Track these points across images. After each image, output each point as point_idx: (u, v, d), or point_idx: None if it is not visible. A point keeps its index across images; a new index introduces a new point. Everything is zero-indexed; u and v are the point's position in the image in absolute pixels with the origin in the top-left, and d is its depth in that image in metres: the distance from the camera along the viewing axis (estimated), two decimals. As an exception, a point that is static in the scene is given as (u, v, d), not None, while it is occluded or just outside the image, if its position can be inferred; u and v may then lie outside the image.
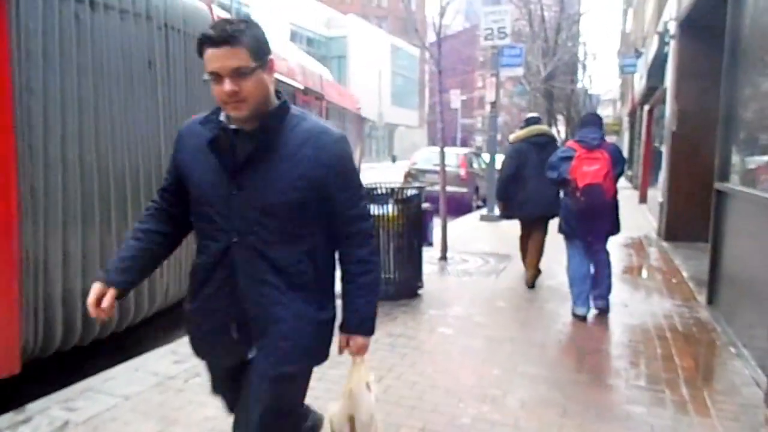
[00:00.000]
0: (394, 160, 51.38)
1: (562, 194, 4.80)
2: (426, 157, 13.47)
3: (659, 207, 9.07)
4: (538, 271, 5.61)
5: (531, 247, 5.62)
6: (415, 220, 5.06)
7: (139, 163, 3.84)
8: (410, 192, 5.05)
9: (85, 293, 1.72)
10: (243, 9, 33.20)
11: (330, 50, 43.36)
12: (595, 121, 4.55)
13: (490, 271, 6.34)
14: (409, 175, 12.82)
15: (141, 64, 3.85)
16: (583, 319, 4.56)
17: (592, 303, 4.67)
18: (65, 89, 3.23)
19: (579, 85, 28.36)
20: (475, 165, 13.90)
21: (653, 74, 10.79)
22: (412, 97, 57.13)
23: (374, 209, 4.96)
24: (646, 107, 15.39)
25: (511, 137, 5.77)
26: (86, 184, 3.39)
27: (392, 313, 4.59)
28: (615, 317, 4.67)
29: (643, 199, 14.38)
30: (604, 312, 4.70)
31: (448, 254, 6.82)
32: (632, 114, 23.16)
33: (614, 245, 7.79)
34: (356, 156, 13.92)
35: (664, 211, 8.55)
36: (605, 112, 51.68)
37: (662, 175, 9.01)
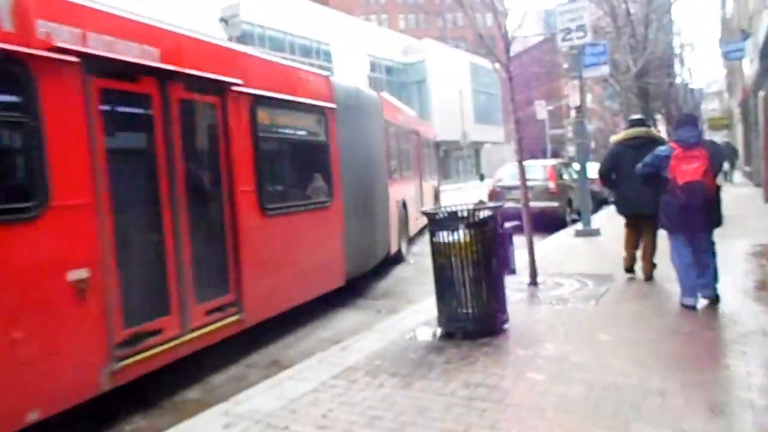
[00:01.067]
0: (482, 178, 50.07)
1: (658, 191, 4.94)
2: (511, 172, 12.59)
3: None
4: (653, 265, 5.95)
5: (643, 244, 6.01)
6: (492, 245, 4.40)
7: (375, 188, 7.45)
8: (484, 213, 4.41)
9: (365, 249, 6.72)
10: (323, 47, 34.22)
11: (409, 76, 43.47)
12: (691, 120, 4.87)
13: (589, 295, 5.48)
14: (494, 194, 12.03)
15: (373, 137, 7.52)
16: (693, 308, 4.70)
17: (699, 293, 4.77)
18: (357, 157, 6.80)
19: (677, 80, 25.97)
20: (566, 176, 12.81)
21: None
22: (496, 114, 55.82)
23: (443, 236, 4.38)
24: (762, 93, 13.54)
25: (612, 139, 6.25)
26: (361, 196, 6.87)
27: (470, 356, 3.94)
28: (756, 350, 3.70)
29: (771, 195, 12.50)
30: (714, 302, 4.75)
31: (539, 278, 6.03)
32: (744, 104, 20.74)
33: (740, 256, 6.61)
34: (435, 180, 13.61)
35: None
36: (710, 106, 47.30)
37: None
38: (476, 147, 52.70)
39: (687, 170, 4.50)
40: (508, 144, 60.87)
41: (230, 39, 23.27)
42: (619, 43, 15.50)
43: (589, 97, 47.04)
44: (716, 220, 4.74)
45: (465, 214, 4.39)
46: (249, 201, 4.75)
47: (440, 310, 4.52)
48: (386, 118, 8.13)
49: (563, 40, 9.59)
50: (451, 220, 4.40)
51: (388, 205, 7.79)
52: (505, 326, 4.51)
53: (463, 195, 26.31)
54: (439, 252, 4.45)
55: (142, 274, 3.94)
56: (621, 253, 6.21)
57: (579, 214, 12.89)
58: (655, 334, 4.18)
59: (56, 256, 3.21)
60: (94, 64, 3.40)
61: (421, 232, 10.39)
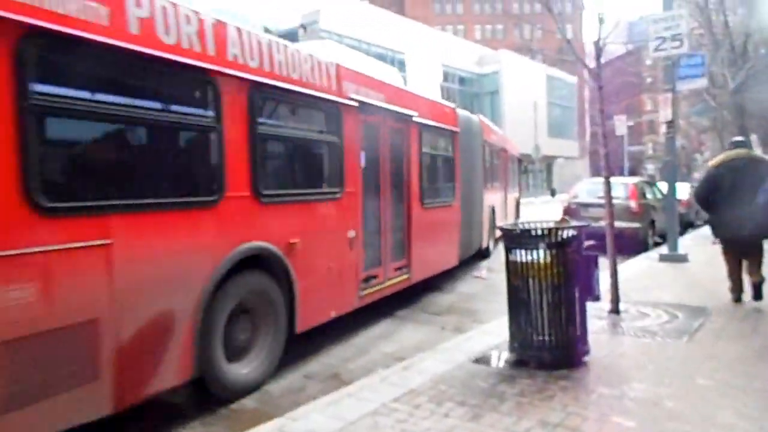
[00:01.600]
0: (553, 193, 48.36)
1: None
2: (588, 188, 11.94)
3: None
4: (762, 278, 5.78)
5: (747, 266, 5.84)
6: (575, 268, 3.99)
7: (476, 194, 9.26)
8: (568, 233, 4.01)
9: (469, 240, 8.72)
10: (398, 56, 34.28)
11: (483, 87, 42.78)
12: None
13: (681, 330, 4.91)
14: (569, 211, 11.40)
15: (477, 154, 9.41)
16: None
17: None
18: (468, 168, 8.59)
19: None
20: (649, 196, 11.94)
21: None
22: (570, 127, 53.83)
23: (521, 255, 4.02)
24: None
25: (710, 162, 6.09)
26: (469, 200, 8.65)
27: (547, 390, 3.55)
28: None
29: None
30: None
31: (621, 306, 5.50)
32: None
33: None
34: (517, 192, 14.95)
35: None
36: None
37: None
38: (548, 161, 51.01)
39: None
40: (581, 159, 58.73)
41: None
42: (717, 56, 14.37)
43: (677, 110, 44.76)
44: None
45: (546, 232, 4.01)
46: (416, 197, 6.70)
47: (513, 335, 4.16)
48: (484, 138, 9.94)
49: (656, 50, 8.90)
50: (531, 238, 4.03)
51: (483, 208, 9.67)
52: (586, 358, 4.08)
53: (532, 210, 25.51)
54: (515, 272, 4.09)
55: (372, 239, 5.76)
56: (713, 282, 6.20)
57: (663, 236, 12.02)
58: (765, 383, 3.62)
59: (344, 222, 5.17)
60: (363, 107, 5.47)
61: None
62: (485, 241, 9.94)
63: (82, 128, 2.94)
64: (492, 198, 10.62)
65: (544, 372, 3.82)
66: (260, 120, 4.08)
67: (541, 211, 26.06)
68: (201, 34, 3.50)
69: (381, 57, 33.35)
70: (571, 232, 4.04)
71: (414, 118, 6.56)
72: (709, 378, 3.73)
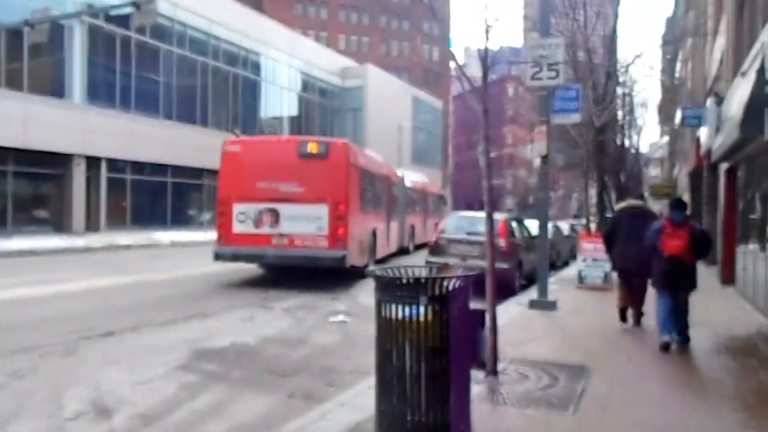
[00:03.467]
0: (413, 225, 49.91)
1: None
2: (457, 223, 12.07)
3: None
4: (641, 313, 7.87)
5: (632, 297, 7.87)
6: (461, 328, 3.55)
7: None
8: (453, 283, 3.57)
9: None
10: (252, 57, 33.21)
11: (345, 101, 43.12)
12: (680, 204, 6.93)
13: (564, 397, 4.73)
14: (437, 247, 11.36)
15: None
16: (667, 347, 6.39)
17: (675, 337, 6.59)
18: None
19: (627, 142, 27.09)
20: (517, 234, 12.40)
21: (749, 122, 9.37)
22: (434, 155, 56.36)
23: (396, 311, 3.48)
24: (724, 165, 13.91)
25: (615, 207, 8.97)
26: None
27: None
28: None
29: (728, 279, 12.62)
30: (683, 343, 6.59)
31: (499, 365, 5.24)
32: (695, 174, 21.71)
33: (709, 353, 6.30)
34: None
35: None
36: (653, 173, 50.32)
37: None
38: (410, 189, 52.85)
39: (671, 245, 6.47)
40: (444, 189, 61.87)
41: (140, 27, 21.97)
42: (584, 93, 15.68)
43: (531, 149, 48.94)
44: (691, 284, 6.76)
45: (428, 281, 3.53)
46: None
47: (382, 414, 3.58)
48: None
49: (533, 78, 9.23)
50: (409, 289, 3.52)
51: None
52: (467, 441, 3.63)
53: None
54: (388, 332, 3.54)
55: (393, 230, 17.64)
56: (586, 334, 7.31)
57: (528, 279, 12.53)
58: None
59: (381, 222, 15.37)
60: (362, 170, 12.93)
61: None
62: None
63: (366, 186, 13.29)
64: (372, 222, 14.08)
65: (419, 465, 3.28)
66: (364, 186, 12.75)
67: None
68: (380, 165, 15.73)
69: (232, 56, 32.11)
70: (458, 283, 3.61)
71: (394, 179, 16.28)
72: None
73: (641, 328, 7.65)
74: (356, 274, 11.66)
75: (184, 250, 19.29)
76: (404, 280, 3.57)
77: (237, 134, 13.50)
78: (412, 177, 22.12)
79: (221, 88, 31.12)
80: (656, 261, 6.68)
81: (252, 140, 13.33)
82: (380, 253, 14.78)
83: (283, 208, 11.15)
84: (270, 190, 11.19)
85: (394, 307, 3.52)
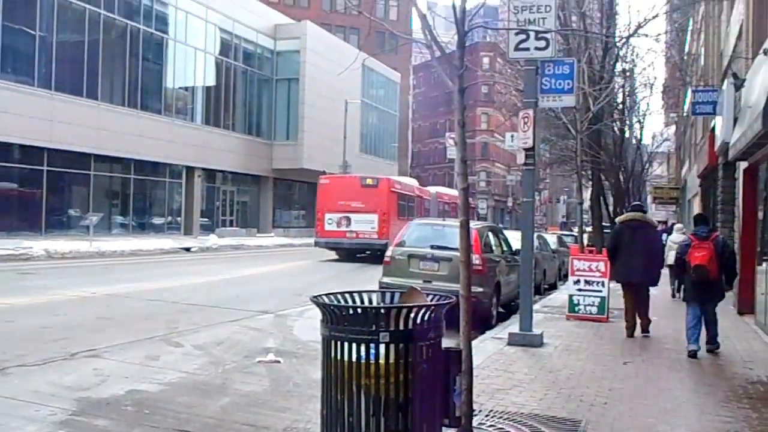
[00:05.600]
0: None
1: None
2: (419, 234, 12.04)
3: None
4: (649, 320, 10.26)
5: (637, 306, 10.20)
6: (430, 374, 3.54)
7: None
8: (423, 314, 3.55)
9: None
10: (158, 9, 32.49)
11: (278, 70, 42.71)
12: (704, 220, 9.54)
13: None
14: (393, 266, 11.32)
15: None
16: (694, 355, 8.55)
17: (704, 346, 8.77)
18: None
19: (627, 132, 27.79)
20: (495, 248, 12.46)
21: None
22: (389, 142, 56.54)
23: (350, 351, 3.44)
24: (743, 164, 14.37)
25: (618, 219, 11.03)
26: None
27: None
28: None
29: (746, 307, 12.98)
30: (714, 351, 8.88)
31: (475, 419, 5.25)
32: (708, 175, 22.39)
33: (727, 400, 6.50)
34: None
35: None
36: (656, 171, 51.77)
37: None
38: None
39: (698, 256, 8.67)
40: (402, 186, 62.22)
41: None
42: (578, 69, 16.01)
43: (513, 137, 49.50)
44: (719, 295, 9.05)
45: (389, 312, 3.50)
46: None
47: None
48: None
49: (516, 48, 9.34)
50: (366, 322, 3.49)
51: None
52: None
53: (338, 270, 26.20)
54: (339, 379, 3.49)
55: None
56: (579, 377, 7.55)
57: (506, 306, 12.64)
58: None
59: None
60: (398, 194, 28.64)
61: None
62: None
63: (401, 202, 28.76)
64: None
65: None
66: (400, 202, 28.43)
67: (351, 263, 26.63)
68: (413, 188, 32.20)
69: (132, 7, 31.30)
70: (426, 314, 3.59)
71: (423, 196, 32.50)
72: None
73: (648, 351, 9.19)
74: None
75: (65, 264, 18.64)
76: (359, 310, 3.54)
77: (325, 172, 32.16)
78: (446, 192, 39.87)
79: (116, 48, 30.47)
80: (686, 275, 9.09)
81: (334, 177, 30.43)
82: None
83: (353, 216, 25.46)
84: (345, 205, 25.51)
85: (346, 346, 3.48)
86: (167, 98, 34.19)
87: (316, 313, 13.11)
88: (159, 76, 33.63)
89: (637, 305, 10.13)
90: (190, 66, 35.56)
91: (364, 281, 14.88)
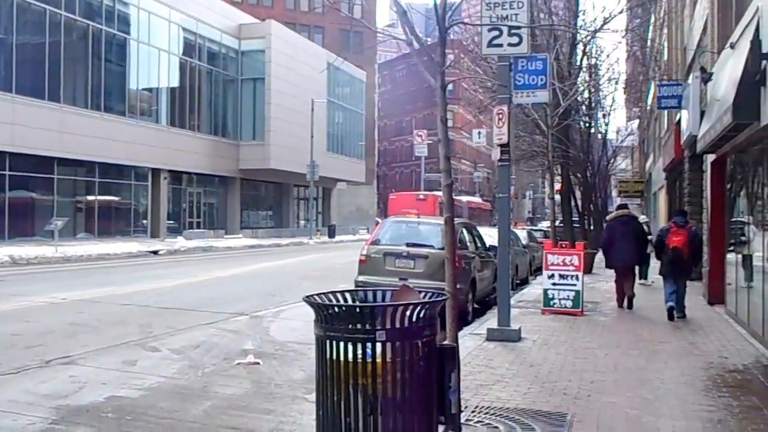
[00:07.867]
0: (332, 233, 48.90)
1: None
2: (394, 231, 12.02)
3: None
4: (633, 294, 12.83)
5: (625, 285, 12.74)
6: (427, 371, 3.51)
7: None
8: (418, 311, 3.52)
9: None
10: (120, 8, 32.01)
11: (243, 70, 42.39)
12: (683, 213, 12.66)
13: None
14: (369, 264, 11.26)
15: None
16: (671, 310, 11.12)
17: (676, 310, 11.24)
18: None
19: (593, 127, 28.08)
20: (469, 245, 12.52)
21: (743, 105, 9.86)
22: (355, 141, 56.46)
23: (345, 350, 3.40)
24: (710, 157, 14.58)
25: (608, 217, 14.23)
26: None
27: None
28: None
29: (716, 297, 13.19)
30: (682, 318, 11.22)
31: (462, 415, 5.24)
32: (674, 168, 22.73)
33: (707, 389, 6.61)
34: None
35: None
36: (621, 165, 52.47)
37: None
38: (326, 186, 52.61)
39: (675, 240, 11.17)
40: (369, 186, 62.12)
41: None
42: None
43: (480, 134, 49.70)
44: (689, 271, 11.70)
45: (386, 310, 3.47)
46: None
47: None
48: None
49: (490, 44, 9.36)
50: (362, 320, 3.45)
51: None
52: None
53: (307, 264, 26.08)
54: (335, 379, 3.44)
55: None
56: (560, 371, 7.68)
57: (483, 306, 12.74)
58: None
59: None
60: (440, 203, 35.75)
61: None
62: None
63: None
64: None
65: None
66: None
67: (323, 263, 26.51)
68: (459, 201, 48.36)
69: (92, 6, 30.76)
70: (423, 311, 3.57)
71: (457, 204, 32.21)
72: None
73: (624, 343, 9.31)
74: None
75: (31, 270, 18.34)
76: (356, 309, 3.49)
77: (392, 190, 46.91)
78: (473, 200, 54.76)
79: (78, 50, 29.93)
80: (663, 254, 11.41)
81: (399, 194, 48.13)
82: None
83: None
84: (406, 212, 26.30)
85: (342, 345, 3.43)
86: (131, 100, 33.67)
87: (292, 314, 13.06)
88: (122, 78, 33.09)
89: (626, 284, 12.67)
90: (153, 67, 35.09)
91: (339, 280, 14.76)
